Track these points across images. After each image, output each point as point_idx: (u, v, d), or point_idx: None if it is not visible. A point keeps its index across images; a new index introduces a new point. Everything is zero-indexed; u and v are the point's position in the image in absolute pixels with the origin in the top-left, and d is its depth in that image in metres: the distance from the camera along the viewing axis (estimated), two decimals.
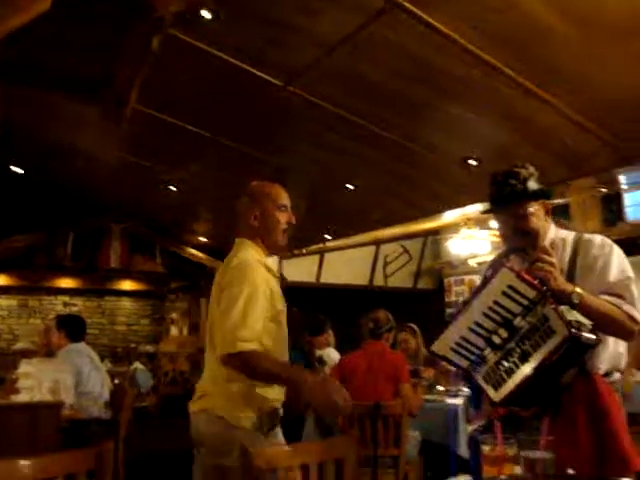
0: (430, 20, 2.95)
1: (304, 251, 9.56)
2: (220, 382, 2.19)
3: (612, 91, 3.50)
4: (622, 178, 8.77)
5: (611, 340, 2.00)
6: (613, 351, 2.02)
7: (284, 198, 2.42)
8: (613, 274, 1.99)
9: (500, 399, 1.85)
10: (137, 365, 8.89)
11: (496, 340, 1.85)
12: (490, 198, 2.21)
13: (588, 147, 4.16)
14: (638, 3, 2.74)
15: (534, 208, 2.11)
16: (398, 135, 4.38)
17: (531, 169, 2.15)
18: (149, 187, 6.93)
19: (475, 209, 7.10)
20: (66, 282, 10.22)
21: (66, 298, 10.68)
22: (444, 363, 2.52)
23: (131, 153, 5.81)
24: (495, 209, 2.21)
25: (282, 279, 2.42)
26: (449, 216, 7.82)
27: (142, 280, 10.65)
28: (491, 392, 1.88)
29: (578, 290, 1.88)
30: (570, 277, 2.02)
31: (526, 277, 1.84)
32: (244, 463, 1.86)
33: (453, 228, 9.39)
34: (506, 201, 2.14)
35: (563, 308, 1.81)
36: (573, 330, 1.74)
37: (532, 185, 2.11)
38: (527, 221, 2.11)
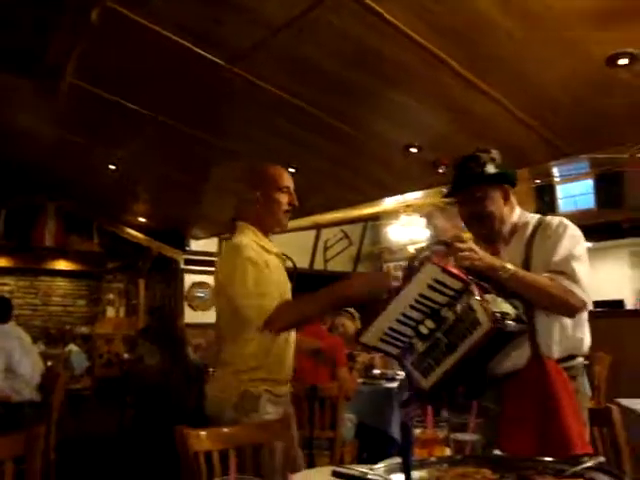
0: (375, 7, 2.96)
1: None
2: (219, 365, 2.33)
3: (550, 88, 3.61)
4: (555, 171, 9.07)
5: (569, 325, 1.98)
6: (571, 336, 2.00)
7: (286, 179, 2.40)
8: (559, 253, 1.98)
9: (429, 386, 1.90)
10: (72, 347, 8.70)
11: (423, 330, 1.89)
12: (451, 181, 2.22)
13: (525, 140, 4.28)
14: (582, 7, 2.83)
15: (491, 192, 2.11)
16: (341, 121, 4.39)
17: (493, 153, 2.15)
18: (87, 165, 6.74)
19: (415, 196, 7.21)
20: None
21: None
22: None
23: (68, 129, 5.63)
24: (452, 192, 2.22)
25: (288, 259, 2.41)
26: (389, 202, 7.91)
27: (78, 260, 10.37)
28: (421, 379, 1.93)
29: (508, 266, 1.90)
30: (526, 259, 2.03)
31: (451, 270, 1.85)
32: (179, 445, 1.86)
33: (393, 214, 9.52)
34: (462, 184, 2.16)
35: (489, 297, 1.84)
36: (497, 322, 1.78)
37: (490, 169, 2.11)
38: (482, 205, 2.11)
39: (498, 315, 1.80)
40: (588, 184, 9.72)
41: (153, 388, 5.38)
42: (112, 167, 6.40)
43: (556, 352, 1.97)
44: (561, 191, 10.09)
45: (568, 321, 1.99)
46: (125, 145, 5.75)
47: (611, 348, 5.74)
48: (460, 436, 1.47)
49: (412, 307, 1.90)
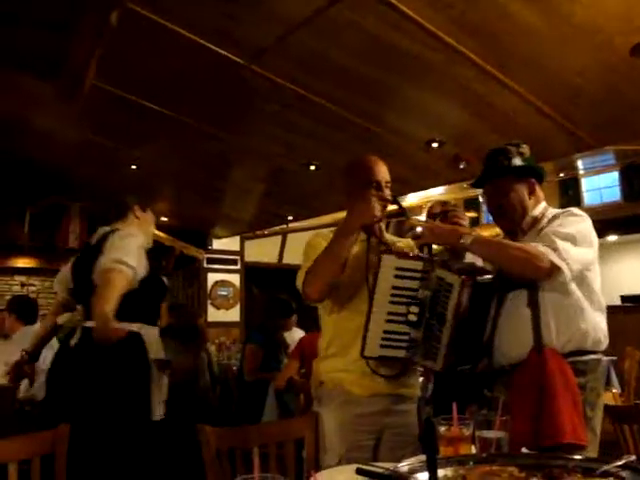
0: (395, 2, 2.94)
1: (266, 232, 9.53)
2: None
3: (572, 80, 3.56)
4: (580, 164, 8.95)
5: (570, 315, 1.96)
6: (573, 327, 1.96)
7: (377, 173, 2.25)
8: (546, 232, 1.98)
9: (441, 367, 1.95)
10: None
11: (412, 318, 1.93)
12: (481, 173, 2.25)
13: (548, 132, 4.23)
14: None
15: (514, 185, 2.13)
16: (361, 117, 4.38)
17: (523, 147, 2.16)
18: (109, 165, 6.80)
19: (438, 191, 7.16)
20: (23, 262, 9.96)
21: (23, 278, 10.42)
22: None
23: (90, 130, 5.68)
24: (476, 183, 2.26)
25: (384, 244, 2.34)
26: (412, 198, 7.87)
27: None
28: (433, 365, 1.98)
29: (472, 233, 1.94)
30: None
31: (406, 253, 1.97)
32: (202, 444, 1.86)
33: (416, 210, 9.47)
34: (488, 176, 2.19)
35: (451, 263, 1.93)
36: (463, 273, 1.86)
37: (516, 162, 2.12)
38: (505, 198, 2.13)
39: (463, 270, 1.89)
40: (614, 176, 9.56)
41: (176, 387, 5.41)
42: (134, 167, 6.45)
43: (559, 344, 1.95)
44: (586, 184, 9.93)
45: (569, 311, 1.96)
46: (146, 145, 5.79)
47: (639, 343, 5.66)
48: (486, 433, 1.45)
49: (392, 302, 1.96)
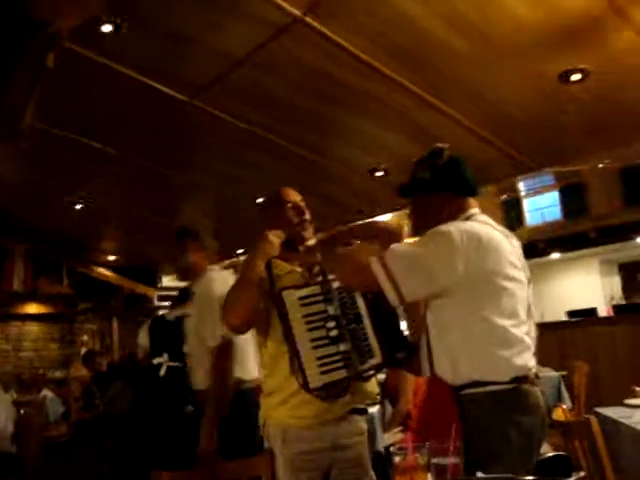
0: (332, 36, 3.01)
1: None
2: None
3: (508, 107, 3.69)
4: (521, 185, 9.21)
5: (449, 348, 1.83)
6: (454, 358, 1.81)
7: (289, 195, 2.35)
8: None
9: (380, 359, 2.04)
10: (46, 392, 8.49)
11: (334, 334, 2.00)
12: None
13: (487, 157, 4.35)
14: (532, 26, 2.91)
15: (418, 198, 2.09)
16: (305, 148, 4.43)
17: (441, 157, 2.10)
18: (53, 205, 6.65)
19: (384, 219, 7.22)
20: None
21: None
22: None
23: (32, 171, 5.56)
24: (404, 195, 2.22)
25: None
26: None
27: (49, 302, 10.17)
28: (374, 361, 2.05)
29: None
30: None
31: (298, 284, 2.04)
32: None
33: None
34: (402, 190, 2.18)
35: None
36: None
37: (424, 174, 2.07)
38: (410, 210, 2.16)
39: None
40: (554, 196, 9.88)
41: (129, 430, 5.26)
42: (78, 207, 6.33)
43: (449, 375, 1.83)
44: (528, 204, 10.23)
45: (447, 342, 1.83)
46: (90, 184, 5.70)
47: (588, 356, 5.80)
48: (441, 460, 1.46)
49: (310, 330, 2.00)
